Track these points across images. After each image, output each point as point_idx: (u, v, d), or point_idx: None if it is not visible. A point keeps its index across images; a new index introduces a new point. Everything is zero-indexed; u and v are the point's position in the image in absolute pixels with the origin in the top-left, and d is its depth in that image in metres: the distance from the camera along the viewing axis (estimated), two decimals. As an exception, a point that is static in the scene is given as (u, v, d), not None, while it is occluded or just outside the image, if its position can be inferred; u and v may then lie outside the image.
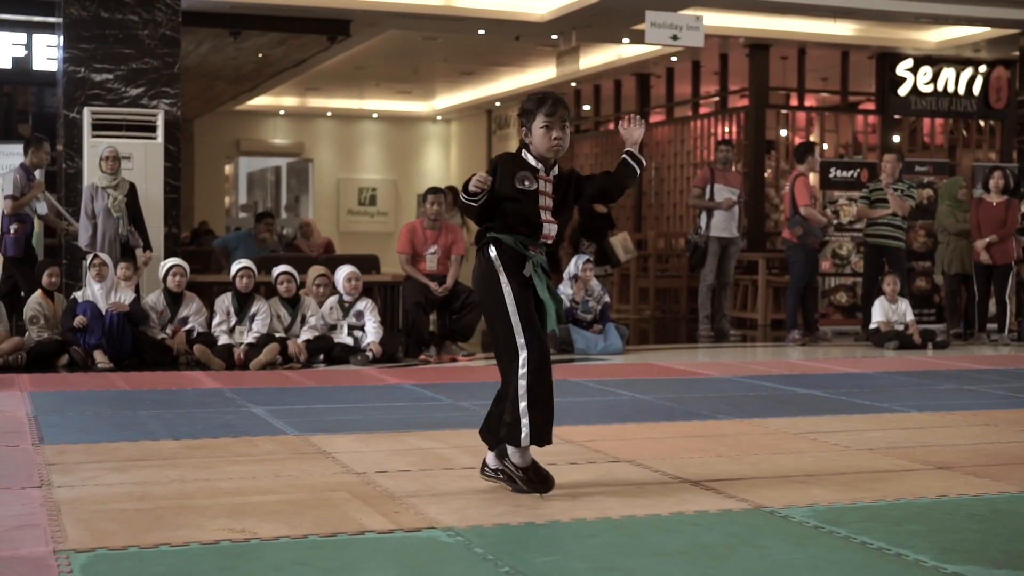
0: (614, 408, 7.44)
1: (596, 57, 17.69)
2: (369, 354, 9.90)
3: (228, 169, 25.48)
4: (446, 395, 7.88)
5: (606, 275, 14.10)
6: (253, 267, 9.97)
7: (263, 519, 4.31)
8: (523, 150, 4.83)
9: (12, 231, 10.34)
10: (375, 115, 24.34)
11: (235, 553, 3.90)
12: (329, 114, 24.22)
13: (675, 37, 13.01)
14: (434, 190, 10.95)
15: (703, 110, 17.88)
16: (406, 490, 4.84)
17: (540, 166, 4.79)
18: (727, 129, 16.98)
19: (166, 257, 10.72)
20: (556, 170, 4.87)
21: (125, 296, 9.68)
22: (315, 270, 10.44)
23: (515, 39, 15.56)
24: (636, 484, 5.04)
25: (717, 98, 17.51)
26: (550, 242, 4.86)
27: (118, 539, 4.02)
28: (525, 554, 3.92)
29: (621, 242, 14.04)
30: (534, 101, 4.80)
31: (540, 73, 19.41)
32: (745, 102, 16.73)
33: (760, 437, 6.36)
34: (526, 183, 4.72)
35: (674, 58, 17.00)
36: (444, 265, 10.66)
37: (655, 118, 18.77)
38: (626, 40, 15.78)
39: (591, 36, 15.33)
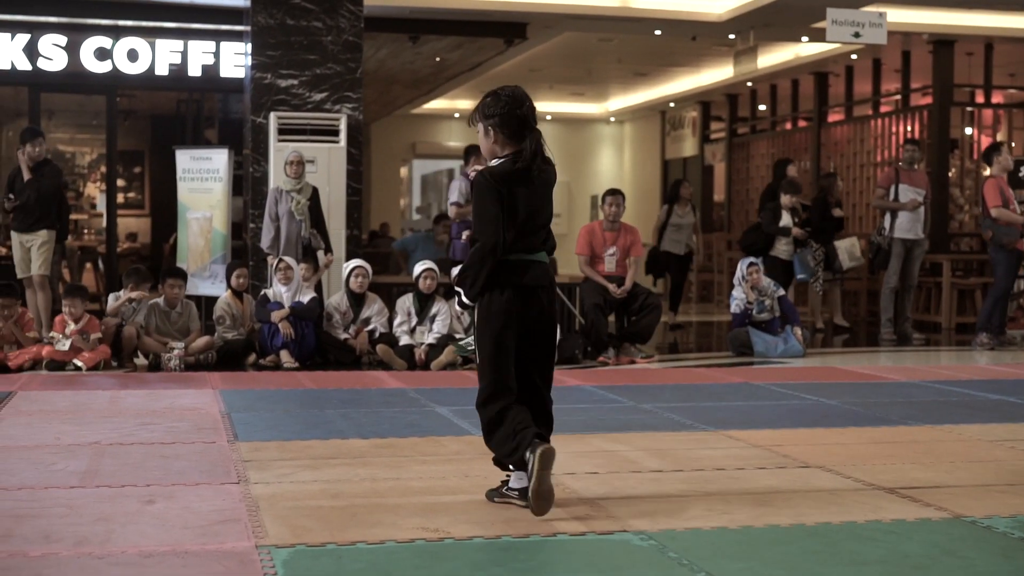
0: (799, 412, 7.30)
1: (773, 56, 17.41)
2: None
3: (403, 172, 25.85)
4: (627, 397, 7.85)
5: (832, 279, 13.77)
6: (436, 269, 10.08)
7: (455, 519, 4.35)
8: None
9: (464, 237, 10.83)
10: (548, 117, 24.37)
11: (430, 552, 3.94)
12: (503, 116, 24.37)
13: (857, 35, 12.73)
14: (612, 191, 10.92)
15: (884, 108, 17.45)
16: (595, 492, 4.83)
17: None
18: (909, 128, 16.54)
19: (347, 259, 10.93)
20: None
21: (306, 297, 9.89)
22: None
23: (691, 39, 15.43)
24: (828, 490, 4.93)
25: (898, 96, 17.07)
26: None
27: (316, 535, 4.10)
28: (720, 560, 3.88)
29: (848, 247, 13.56)
30: None
31: (716, 73, 19.21)
32: (928, 100, 16.28)
33: (954, 444, 6.17)
34: None
35: (854, 56, 16.63)
36: (623, 266, 10.62)
37: (833, 117, 18.40)
38: (805, 39, 15.50)
39: (769, 35, 15.10)
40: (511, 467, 4.56)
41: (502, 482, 4.65)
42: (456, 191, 11.03)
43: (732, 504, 4.65)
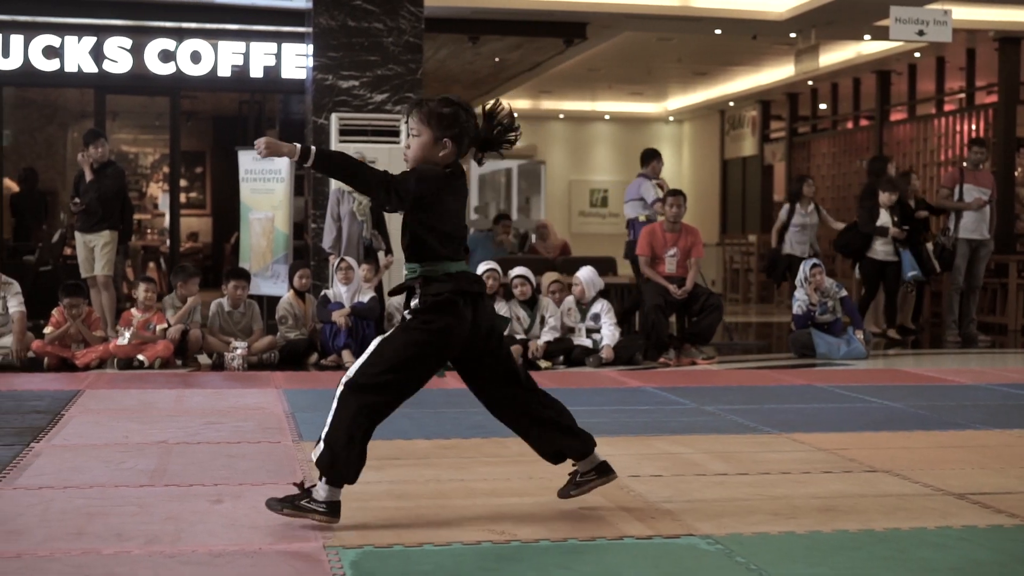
0: (864, 415, 7.24)
1: (835, 55, 17.28)
2: (602, 356, 9.91)
3: (462, 171, 25.90)
4: (689, 399, 7.81)
5: (925, 281, 13.16)
6: (499, 269, 10.10)
7: (521, 521, 4.35)
8: None
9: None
10: (607, 116, 24.35)
11: (497, 554, 3.95)
12: (561, 116, 24.35)
13: (921, 33, 12.60)
14: (674, 192, 10.89)
15: (947, 107, 17.27)
16: (660, 495, 4.81)
17: None
18: (973, 127, 16.36)
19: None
20: None
21: (366, 297, 9.93)
22: (549, 276, 10.53)
23: (752, 38, 15.35)
24: (896, 495, 4.88)
25: (963, 95, 16.89)
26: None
27: (383, 537, 4.11)
28: (788, 565, 3.85)
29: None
30: None
31: (776, 72, 19.10)
32: (993, 98, 16.08)
33: (1024, 449, 6.10)
34: None
35: (917, 54, 16.47)
36: (683, 267, 10.58)
37: (896, 116, 18.23)
38: (867, 37, 15.38)
39: (831, 34, 14.99)
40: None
41: (305, 490, 4.27)
42: (650, 191, 11.71)
43: (799, 508, 4.62)
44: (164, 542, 4.03)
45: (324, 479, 4.19)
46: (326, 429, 4.19)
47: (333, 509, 4.20)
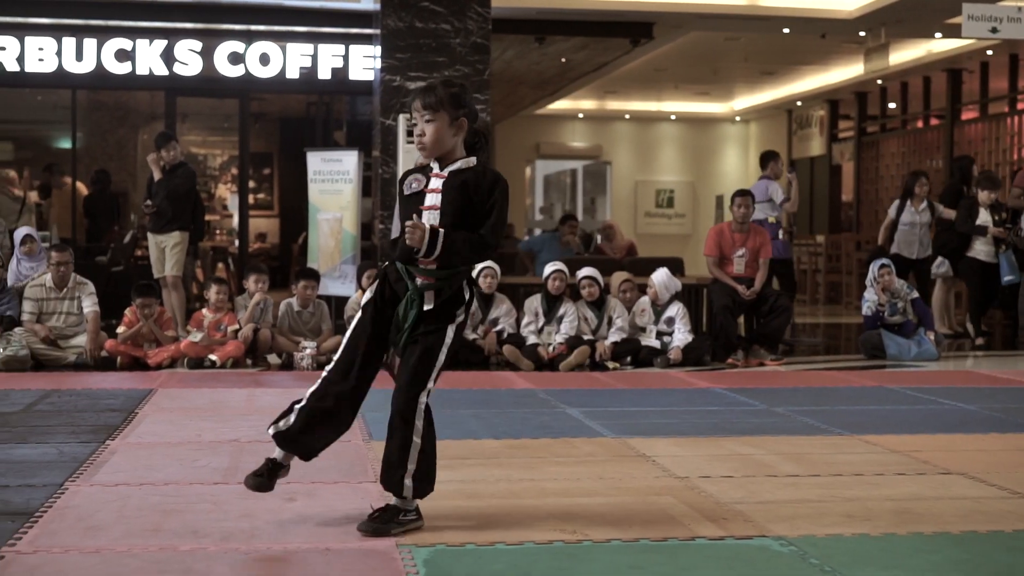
0: (937, 417, 7.16)
1: (904, 53, 17.09)
2: (670, 357, 9.87)
3: (527, 172, 25.92)
4: (759, 400, 7.76)
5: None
6: (566, 270, 10.09)
7: (592, 521, 4.35)
8: None
9: (781, 236, 11.66)
10: (673, 117, 24.26)
11: (569, 554, 3.95)
12: (627, 116, 24.30)
13: (994, 30, 12.42)
14: (742, 192, 10.83)
15: (1020, 105, 17.02)
16: (732, 496, 4.79)
17: (435, 164, 4.23)
18: (1047, 125, 16.12)
19: (476, 259, 10.99)
20: (461, 165, 4.20)
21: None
22: (619, 276, 10.51)
23: (820, 37, 15.23)
24: (971, 498, 4.83)
25: (1036, 93, 16.65)
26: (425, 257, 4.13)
27: (455, 535, 4.13)
28: (863, 567, 3.82)
29: None
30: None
31: (844, 71, 18.93)
32: (1068, 96, 15.86)
33: (1101, 452, 6.00)
34: (414, 186, 4.23)
35: (989, 51, 16.25)
36: (752, 268, 10.52)
37: (967, 115, 17.99)
38: (938, 35, 15.21)
39: (901, 32, 14.83)
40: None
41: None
42: (778, 192, 11.85)
43: (872, 511, 4.58)
44: (239, 539, 4.07)
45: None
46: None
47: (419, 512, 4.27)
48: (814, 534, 4.19)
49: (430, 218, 4.13)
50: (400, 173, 11.25)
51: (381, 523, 4.16)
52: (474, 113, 4.25)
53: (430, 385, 4.26)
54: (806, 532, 4.22)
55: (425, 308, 4.19)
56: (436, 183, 4.19)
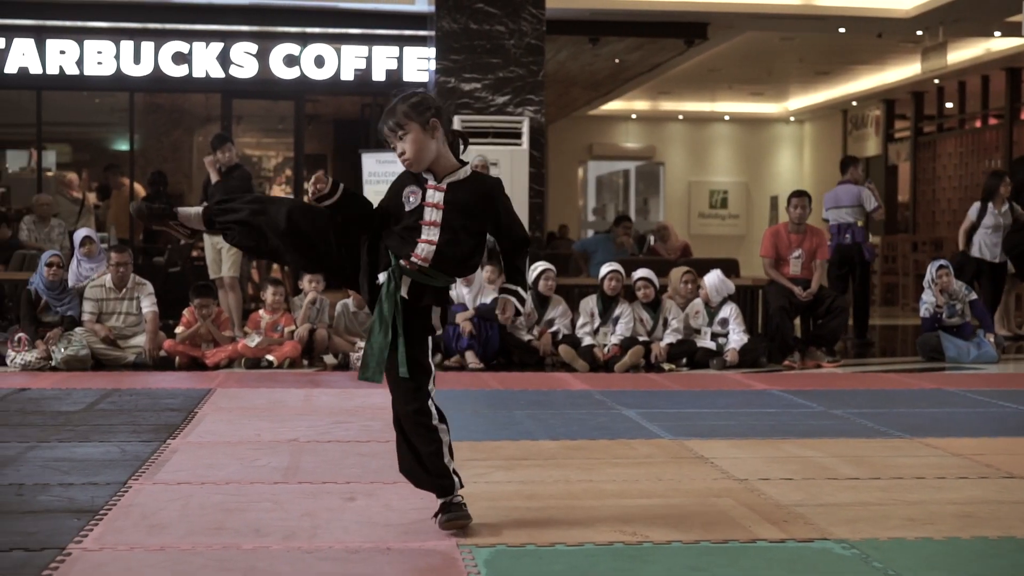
0: (999, 421, 7.08)
1: (962, 52, 16.93)
2: (726, 359, 9.83)
3: (579, 173, 25.90)
4: (817, 402, 7.71)
5: None
6: (621, 270, 10.08)
7: (652, 523, 4.34)
8: None
9: (869, 239, 12.11)
10: (727, 117, 24.16)
11: (630, 555, 3.94)
12: (680, 117, 24.23)
13: (1054, 28, 12.27)
14: (799, 193, 10.77)
15: (1080, 105, 16.84)
16: (792, 499, 4.76)
17: (428, 176, 4.12)
18: (1108, 125, 15.91)
19: (530, 261, 11.01)
20: (460, 176, 4.13)
21: (489, 298, 9.98)
22: (679, 269, 10.49)
23: (877, 36, 15.11)
24: (1036, 502, 4.77)
25: (1097, 92, 16.45)
26: (426, 266, 4.06)
27: (515, 536, 4.13)
28: (927, 571, 3.79)
29: None
30: None
31: (900, 71, 18.78)
32: None
33: None
34: (411, 199, 4.10)
35: (1049, 50, 16.09)
36: (808, 269, 10.46)
37: (1026, 114, 17.81)
38: (997, 33, 15.06)
39: (959, 31, 14.70)
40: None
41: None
42: (871, 199, 12.02)
43: (935, 514, 4.53)
44: (301, 538, 4.10)
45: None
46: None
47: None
48: (876, 537, 4.16)
49: (431, 234, 4.07)
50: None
51: (455, 515, 4.16)
52: (442, 111, 4.18)
53: (430, 377, 4.20)
54: (868, 535, 4.19)
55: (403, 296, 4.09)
56: (436, 196, 4.09)
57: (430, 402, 4.18)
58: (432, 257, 4.05)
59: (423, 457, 4.17)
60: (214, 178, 11.04)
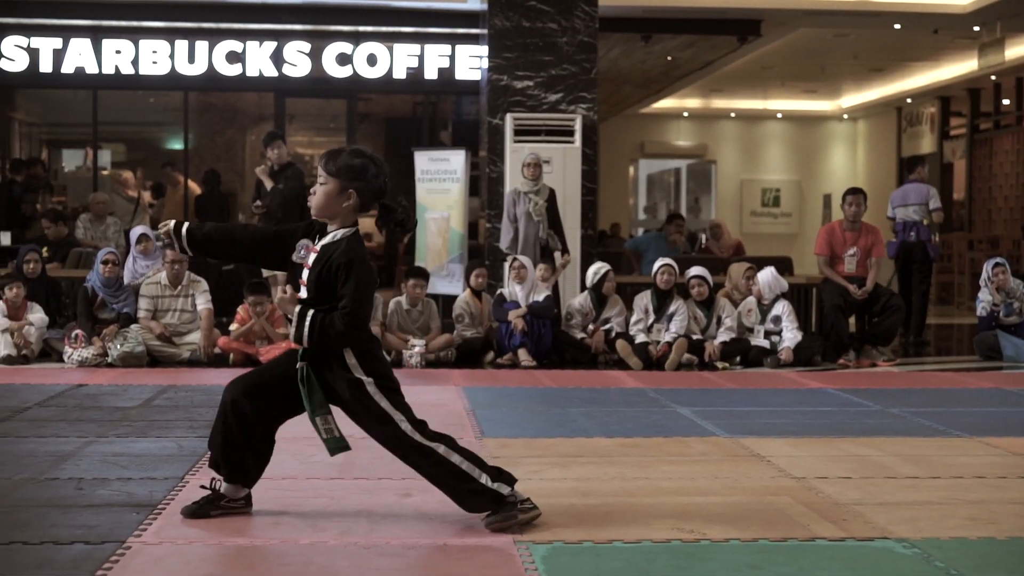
0: (1059, 420, 6.99)
1: (1020, 48, 16.70)
2: (780, 357, 9.76)
3: (630, 171, 25.83)
4: (873, 401, 7.64)
5: None
6: (674, 265, 10.04)
7: (710, 520, 4.31)
8: None
9: (936, 238, 12.11)
10: (779, 115, 24.00)
11: (688, 553, 3.92)
12: (732, 115, 24.10)
13: (1115, 23, 12.10)
14: (854, 190, 10.68)
15: None
16: (850, 498, 4.71)
17: (325, 232, 4.26)
18: None
19: (583, 259, 11.03)
20: (329, 239, 4.21)
21: (541, 296, 9.97)
22: (741, 265, 10.45)
23: (932, 32, 14.96)
24: (1100, 502, 4.70)
25: None
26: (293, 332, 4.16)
27: (572, 533, 4.12)
28: (991, 572, 3.75)
29: None
30: None
31: (956, 67, 18.57)
32: None
33: None
34: (301, 253, 4.23)
35: (1109, 46, 15.86)
36: (863, 267, 10.37)
37: (1085, 111, 17.56)
38: (1056, 29, 14.87)
39: (1017, 26, 14.52)
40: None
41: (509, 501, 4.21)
42: (936, 198, 11.98)
43: (996, 514, 4.48)
44: (358, 534, 4.11)
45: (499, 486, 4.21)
46: (458, 481, 4.20)
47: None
48: (938, 536, 4.11)
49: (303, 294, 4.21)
50: (507, 172, 11.32)
51: (502, 517, 4.16)
52: (375, 190, 4.23)
53: (398, 418, 4.21)
54: (929, 535, 4.14)
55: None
56: (311, 257, 4.21)
57: (418, 437, 4.17)
58: (294, 321, 4.16)
59: (458, 492, 4.19)
60: (268, 184, 11.08)
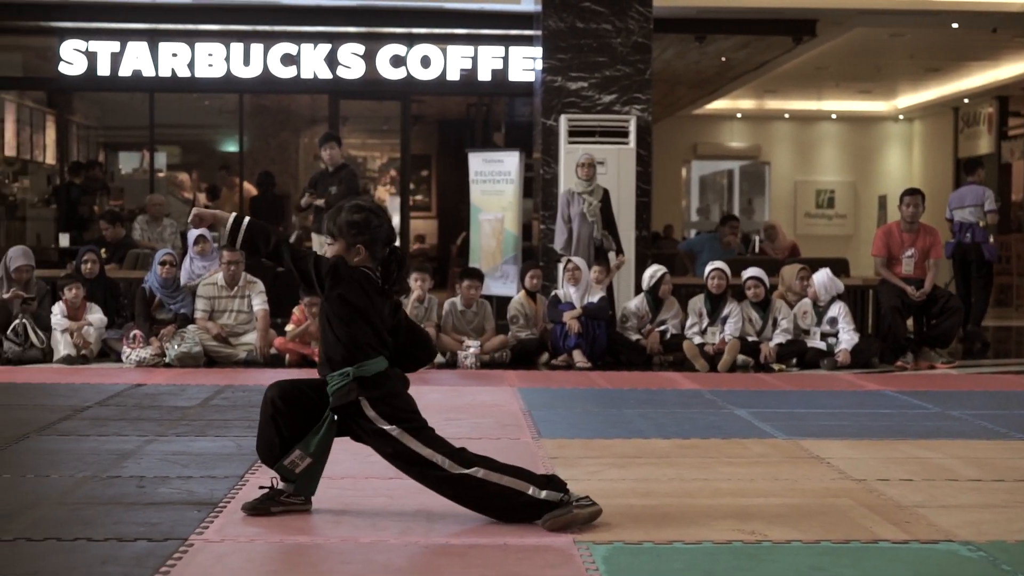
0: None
1: (1080, 47, 16.52)
2: (837, 359, 9.68)
3: (683, 173, 25.73)
4: (932, 403, 7.56)
5: None
6: (726, 269, 9.98)
7: (770, 522, 4.28)
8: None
9: (991, 240, 12.15)
10: (833, 116, 23.82)
11: (749, 554, 3.89)
12: (787, 116, 23.93)
13: None
14: (911, 191, 10.58)
15: None
16: (912, 500, 4.67)
17: None
18: None
19: (637, 260, 10.99)
20: None
21: (596, 297, 9.94)
22: (794, 266, 10.37)
23: (991, 31, 14.78)
24: None
25: None
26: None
27: (631, 534, 4.10)
28: (1059, 575, 3.68)
29: None
30: None
31: (1015, 67, 18.34)
32: None
33: None
34: (314, 310, 4.41)
35: None
36: (921, 268, 10.26)
37: None
38: (1117, 27, 14.65)
39: (1077, 25, 14.34)
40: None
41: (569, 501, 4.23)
42: (992, 199, 11.98)
43: (1063, 517, 4.42)
44: (417, 533, 4.11)
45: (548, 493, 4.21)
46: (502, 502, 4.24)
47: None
48: (1004, 540, 4.06)
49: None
50: (562, 174, 11.31)
51: (557, 514, 4.14)
52: (382, 239, 4.36)
53: (439, 460, 4.28)
54: (995, 537, 4.09)
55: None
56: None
57: (458, 470, 4.22)
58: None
59: (506, 511, 4.21)
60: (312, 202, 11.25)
